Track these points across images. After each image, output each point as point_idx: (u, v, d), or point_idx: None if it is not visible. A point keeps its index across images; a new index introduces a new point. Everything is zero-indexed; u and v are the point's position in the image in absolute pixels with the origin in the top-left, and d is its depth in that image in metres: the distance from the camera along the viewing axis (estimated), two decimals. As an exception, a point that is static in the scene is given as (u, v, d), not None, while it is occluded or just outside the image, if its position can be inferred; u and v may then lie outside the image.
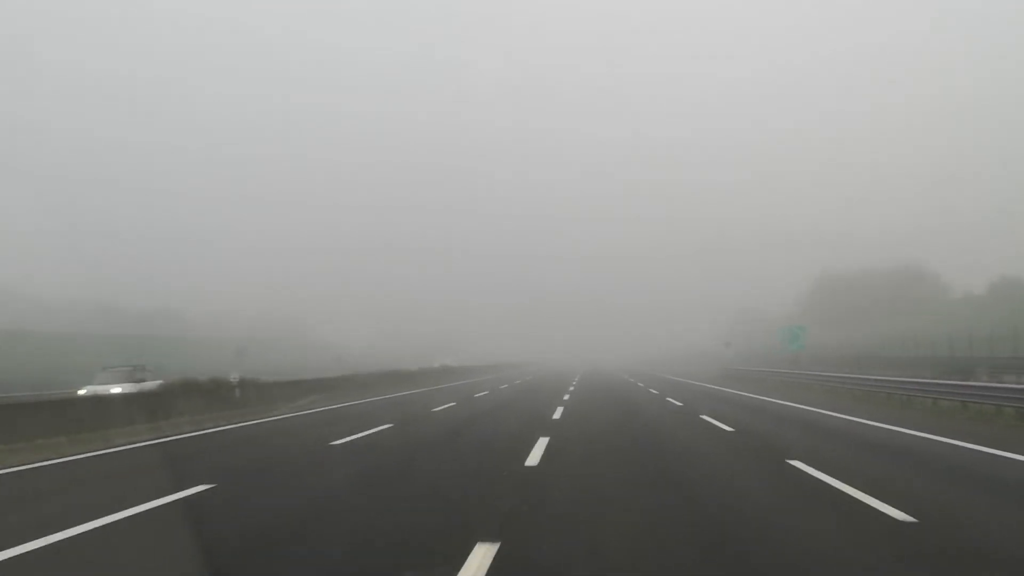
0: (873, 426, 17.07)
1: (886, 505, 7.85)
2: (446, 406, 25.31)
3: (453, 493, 9.21)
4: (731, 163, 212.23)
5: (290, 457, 13.13)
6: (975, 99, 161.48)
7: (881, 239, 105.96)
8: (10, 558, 6.34)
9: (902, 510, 7.59)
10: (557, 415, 21.11)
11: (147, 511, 8.14)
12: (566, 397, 30.08)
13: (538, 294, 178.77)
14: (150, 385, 25.51)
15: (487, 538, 6.53)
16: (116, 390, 23.15)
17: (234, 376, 26.21)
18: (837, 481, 9.34)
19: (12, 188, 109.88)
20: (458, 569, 5.70)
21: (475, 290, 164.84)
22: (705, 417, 19.55)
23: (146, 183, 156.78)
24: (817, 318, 76.64)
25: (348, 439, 15.13)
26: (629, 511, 8.06)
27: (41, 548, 6.61)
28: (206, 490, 9.30)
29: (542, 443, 13.71)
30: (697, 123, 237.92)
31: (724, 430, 16.47)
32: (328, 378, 35.54)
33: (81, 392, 23.50)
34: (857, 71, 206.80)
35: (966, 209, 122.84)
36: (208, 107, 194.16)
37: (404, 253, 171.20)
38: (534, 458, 11.93)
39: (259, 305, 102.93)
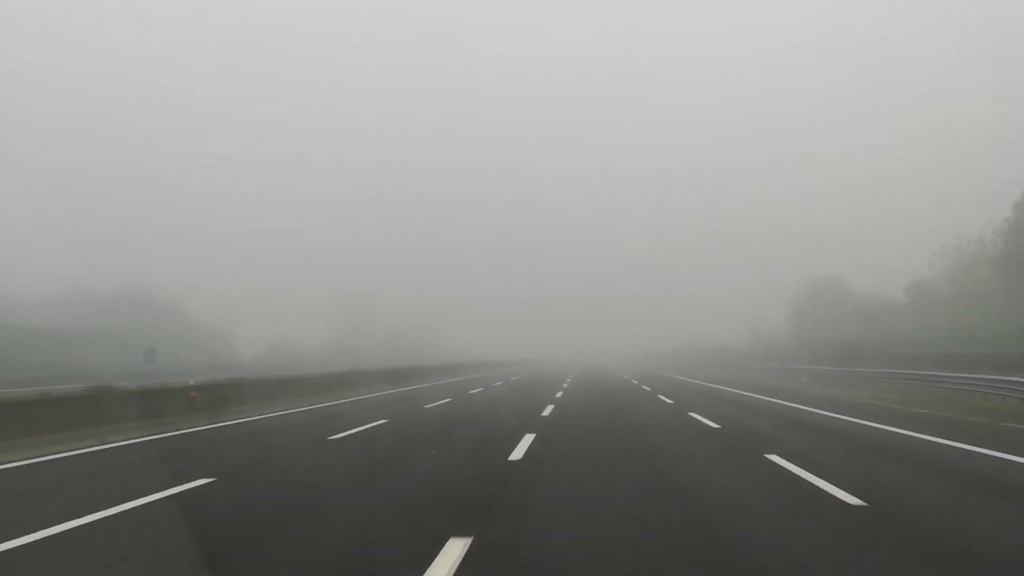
0: None
1: None
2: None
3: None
4: (733, 152, 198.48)
5: None
6: None
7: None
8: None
9: None
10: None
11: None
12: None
13: (538, 292, 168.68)
14: None
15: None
16: None
17: None
18: None
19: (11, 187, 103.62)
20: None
21: (471, 288, 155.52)
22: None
23: (146, 183, 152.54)
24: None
25: None
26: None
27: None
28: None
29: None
30: (702, 108, 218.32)
31: None
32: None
33: None
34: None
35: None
36: (207, 106, 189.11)
37: (401, 252, 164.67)
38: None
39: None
